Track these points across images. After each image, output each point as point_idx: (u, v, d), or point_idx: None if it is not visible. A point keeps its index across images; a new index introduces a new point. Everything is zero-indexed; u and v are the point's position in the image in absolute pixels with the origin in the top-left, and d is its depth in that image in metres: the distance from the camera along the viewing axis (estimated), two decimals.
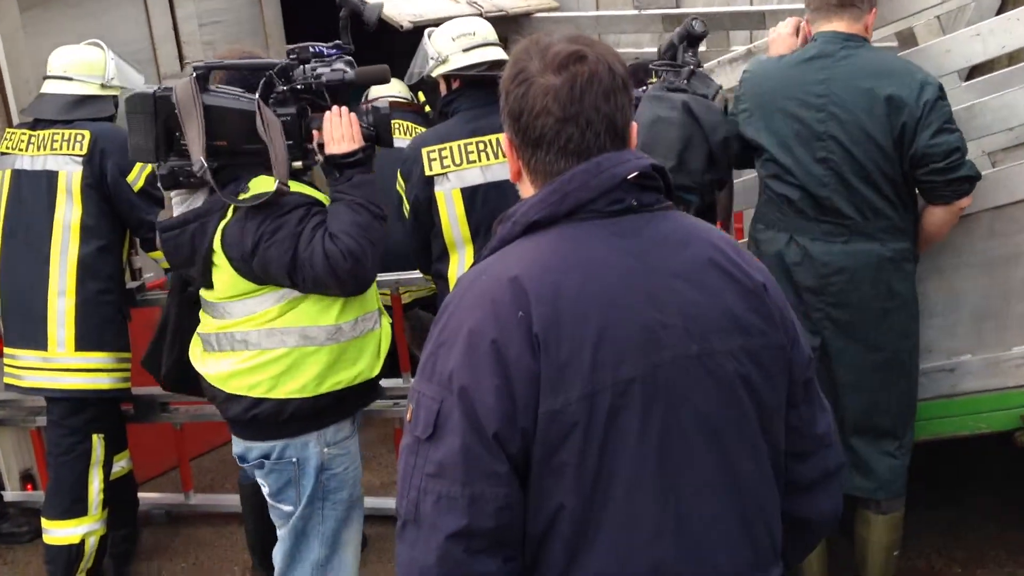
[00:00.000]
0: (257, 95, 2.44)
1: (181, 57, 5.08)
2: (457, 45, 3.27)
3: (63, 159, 3.55)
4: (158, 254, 3.53)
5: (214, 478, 4.60)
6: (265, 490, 2.69)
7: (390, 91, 4.94)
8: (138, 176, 3.61)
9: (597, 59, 1.38)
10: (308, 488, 2.62)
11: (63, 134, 3.58)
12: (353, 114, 2.53)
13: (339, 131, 2.49)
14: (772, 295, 1.45)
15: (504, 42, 6.19)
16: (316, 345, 2.56)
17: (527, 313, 1.31)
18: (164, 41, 4.98)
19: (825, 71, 2.79)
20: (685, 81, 2.31)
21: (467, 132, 3.14)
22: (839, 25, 2.83)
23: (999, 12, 4.80)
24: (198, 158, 2.36)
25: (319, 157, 2.56)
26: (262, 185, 2.47)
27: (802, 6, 5.23)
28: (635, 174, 1.40)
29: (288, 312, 2.55)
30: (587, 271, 1.35)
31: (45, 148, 3.57)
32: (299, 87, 2.50)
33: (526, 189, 1.49)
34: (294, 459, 2.59)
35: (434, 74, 3.29)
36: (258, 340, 2.57)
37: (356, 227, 2.45)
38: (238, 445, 2.70)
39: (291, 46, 2.52)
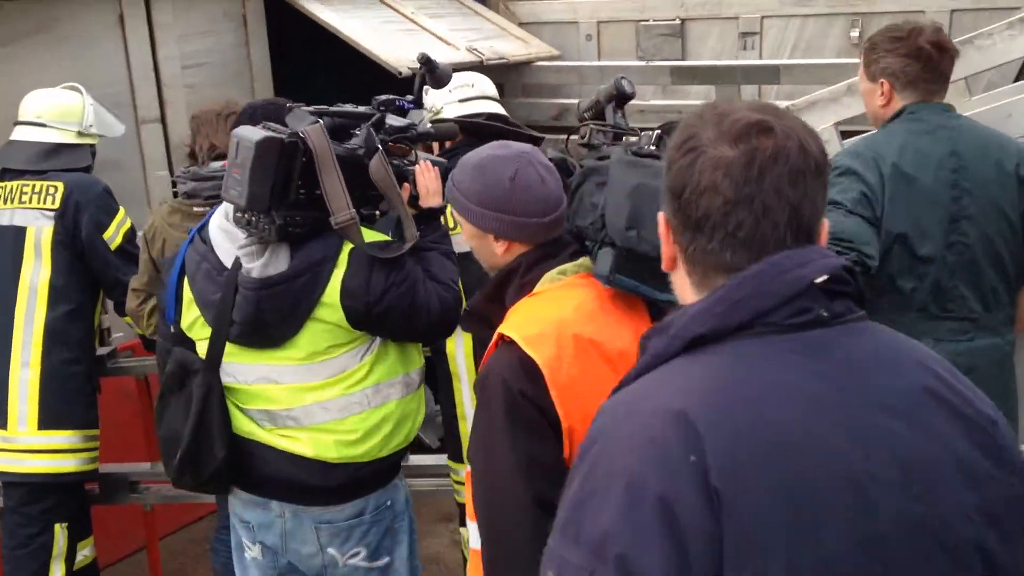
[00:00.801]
0: (353, 142, 2.28)
1: (161, 101, 4.81)
2: (453, 96, 3.10)
3: (33, 213, 3.25)
4: (132, 319, 3.26)
5: (184, 561, 4.23)
6: (359, 555, 2.39)
7: None
8: (116, 232, 3.33)
9: (786, 133, 1.14)
10: (404, 528, 2.47)
11: (34, 186, 3.28)
12: (437, 168, 2.45)
13: (433, 184, 2.44)
14: (1003, 431, 1.19)
15: (500, 88, 6.03)
16: (414, 391, 2.44)
17: (701, 459, 1.05)
18: (144, 83, 4.71)
19: (950, 143, 2.61)
20: (654, 146, 1.98)
21: None
22: (939, 97, 2.68)
23: (1019, 74, 4.71)
24: (345, 209, 2.19)
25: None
26: (370, 234, 2.32)
27: (818, 60, 5.16)
28: (824, 278, 1.14)
29: (379, 364, 2.35)
30: (772, 403, 1.09)
31: (13, 201, 3.27)
32: (393, 138, 2.39)
33: (681, 282, 1.24)
34: (388, 502, 2.41)
35: (427, 125, 3.08)
36: (365, 400, 2.32)
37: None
38: (322, 514, 2.37)
39: (381, 97, 2.37)
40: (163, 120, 4.83)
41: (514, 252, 1.90)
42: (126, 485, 3.73)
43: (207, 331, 2.29)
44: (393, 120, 2.36)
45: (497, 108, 3.04)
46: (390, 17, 5.41)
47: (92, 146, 3.50)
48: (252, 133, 2.12)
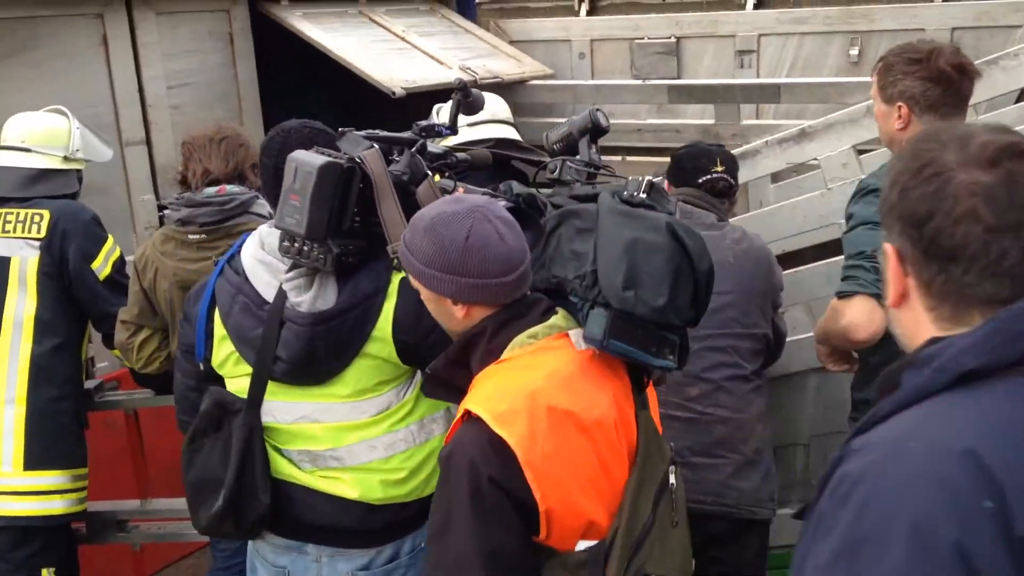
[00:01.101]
0: (395, 168, 2.16)
1: (146, 122, 4.68)
2: (462, 119, 2.98)
3: (17, 243, 3.11)
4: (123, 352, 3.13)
5: None
6: None
7: None
8: (104, 262, 3.20)
9: None
10: None
11: (18, 214, 3.14)
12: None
13: None
14: None
15: None
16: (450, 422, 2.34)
17: (1001, 505, 0.96)
18: (128, 104, 4.58)
19: None
20: (645, 195, 1.84)
21: None
22: (959, 120, 2.59)
23: (1021, 95, 4.68)
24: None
25: None
26: None
27: (819, 79, 5.12)
28: None
29: (423, 398, 2.24)
30: None
31: None
32: (435, 165, 2.30)
33: (913, 319, 1.17)
34: (423, 543, 2.26)
35: (436, 149, 2.98)
36: (411, 437, 2.21)
37: None
38: (360, 558, 2.23)
39: (422, 123, 2.27)
40: (148, 142, 4.70)
41: (476, 315, 1.75)
42: (114, 524, 3.58)
43: (242, 368, 2.16)
44: (432, 147, 2.28)
45: (508, 131, 2.95)
46: (380, 36, 5.32)
47: (79, 171, 3.38)
48: (312, 158, 2.01)
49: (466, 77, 5.18)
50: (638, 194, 1.87)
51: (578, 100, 5.49)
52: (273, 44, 5.34)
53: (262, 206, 3.11)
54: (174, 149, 4.75)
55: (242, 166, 3.10)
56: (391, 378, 2.17)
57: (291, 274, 2.12)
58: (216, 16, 4.93)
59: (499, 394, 1.64)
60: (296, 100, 5.94)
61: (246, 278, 2.15)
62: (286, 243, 2.07)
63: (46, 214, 3.14)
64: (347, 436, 2.16)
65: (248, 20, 5.05)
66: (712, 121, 5.24)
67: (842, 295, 2.38)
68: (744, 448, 2.55)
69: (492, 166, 2.91)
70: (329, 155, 2.05)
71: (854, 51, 5.20)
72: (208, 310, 2.21)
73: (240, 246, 2.25)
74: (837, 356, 2.57)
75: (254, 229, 2.98)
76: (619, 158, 5.52)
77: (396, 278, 2.13)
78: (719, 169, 2.81)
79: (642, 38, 5.75)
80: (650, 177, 1.95)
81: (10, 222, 3.13)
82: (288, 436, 2.17)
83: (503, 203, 1.91)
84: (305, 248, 2.06)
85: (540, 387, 1.63)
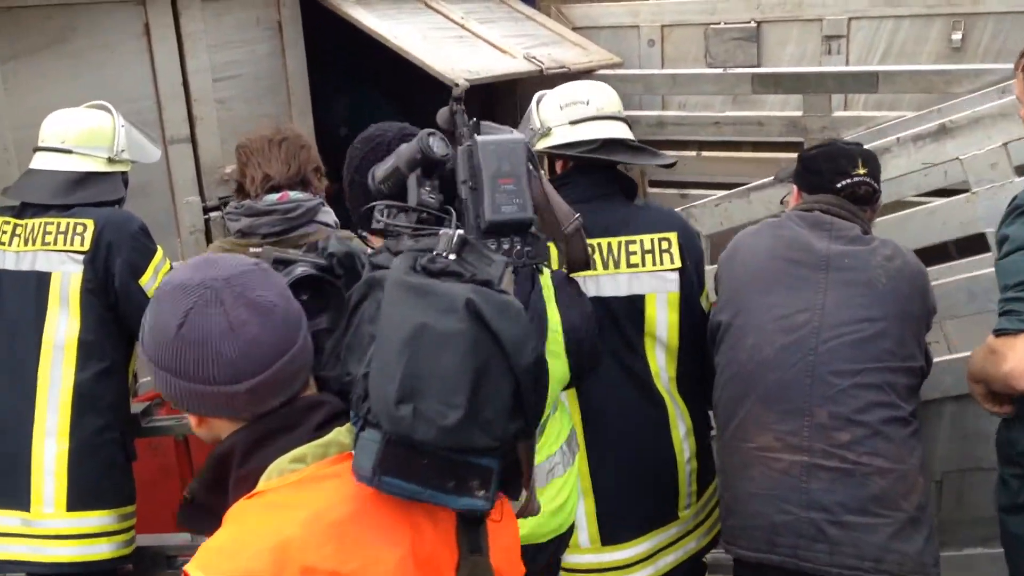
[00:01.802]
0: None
1: (191, 118, 4.39)
2: (564, 115, 2.65)
3: (58, 257, 2.82)
4: None
5: None
6: None
7: None
8: (153, 277, 2.90)
9: None
10: None
11: (59, 224, 2.85)
12: None
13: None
14: None
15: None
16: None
17: None
18: (172, 99, 4.30)
19: None
20: (453, 255, 1.41)
21: None
22: None
23: None
24: (572, 213, 2.02)
25: None
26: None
27: (925, 67, 4.70)
28: None
29: (562, 413, 2.16)
30: None
31: (35, 242, 2.84)
32: None
33: None
34: None
35: (536, 148, 2.65)
36: (562, 458, 2.07)
37: None
38: None
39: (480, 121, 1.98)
40: (193, 139, 4.42)
41: (218, 428, 1.34)
42: (163, 560, 3.30)
43: None
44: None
45: (618, 130, 2.59)
46: (438, 23, 4.99)
47: (124, 174, 3.08)
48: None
49: (530, 67, 4.84)
50: (445, 255, 1.41)
51: (650, 91, 5.14)
52: (322, 32, 5.03)
53: (328, 214, 2.80)
54: (220, 147, 4.48)
55: (304, 169, 2.78)
56: (553, 399, 1.97)
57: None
58: (264, 3, 4.62)
59: (233, 548, 1.19)
60: (348, 93, 5.65)
61: None
62: (493, 243, 1.72)
63: (90, 224, 2.85)
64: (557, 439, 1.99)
65: (298, 7, 4.76)
66: (799, 113, 4.87)
67: (1002, 333, 2.09)
68: (906, 504, 2.19)
69: (597, 172, 2.59)
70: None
71: (956, 35, 4.79)
72: None
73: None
74: (996, 397, 2.24)
75: (321, 239, 2.70)
76: (693, 153, 5.17)
77: (545, 279, 1.94)
78: (861, 172, 2.45)
79: (718, 23, 5.37)
80: (459, 232, 1.49)
81: (50, 233, 2.84)
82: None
83: (300, 269, 1.48)
84: (516, 243, 1.73)
85: (294, 538, 1.18)
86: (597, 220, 2.47)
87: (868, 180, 2.46)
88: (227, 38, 4.51)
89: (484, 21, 5.19)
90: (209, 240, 4.49)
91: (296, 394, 1.33)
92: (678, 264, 2.52)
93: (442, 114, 2.24)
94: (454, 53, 4.64)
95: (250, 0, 4.58)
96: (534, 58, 4.88)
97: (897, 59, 5.01)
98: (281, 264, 1.48)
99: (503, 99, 5.42)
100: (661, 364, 2.58)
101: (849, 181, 2.43)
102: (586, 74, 5.17)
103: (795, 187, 2.55)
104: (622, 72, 5.21)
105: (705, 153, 5.14)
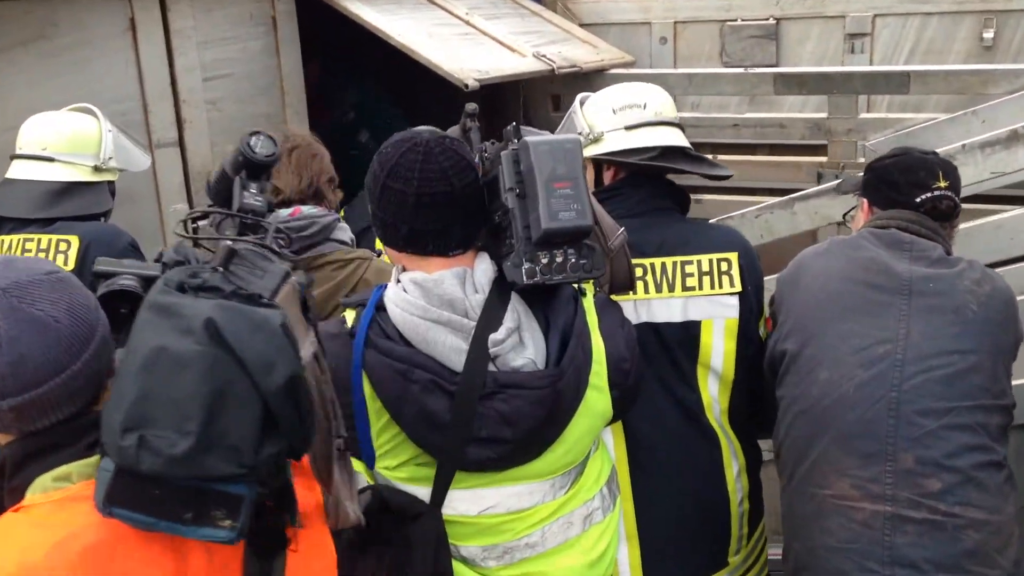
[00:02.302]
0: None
1: (179, 120, 4.12)
2: (619, 119, 2.44)
3: None
4: None
5: None
6: None
7: None
8: None
9: None
10: None
11: (39, 240, 2.61)
12: None
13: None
14: None
15: (557, 101, 5.37)
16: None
17: None
18: (159, 99, 4.02)
19: None
20: (220, 268, 1.33)
21: None
22: None
23: None
24: (617, 227, 1.96)
25: None
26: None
27: (956, 67, 4.49)
28: None
29: (603, 453, 1.99)
30: None
31: None
32: None
33: None
34: None
35: (588, 154, 2.44)
36: (601, 502, 1.89)
37: None
38: None
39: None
40: (181, 143, 4.15)
41: None
42: None
43: (409, 458, 1.75)
44: None
45: (676, 137, 2.37)
46: (442, 19, 4.74)
47: (111, 184, 2.84)
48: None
49: (541, 66, 4.60)
50: (214, 268, 1.31)
51: (666, 91, 4.89)
52: (319, 26, 4.76)
53: (344, 230, 2.55)
54: (210, 150, 4.22)
55: (317, 181, 2.54)
56: (596, 438, 1.85)
57: (506, 326, 1.69)
58: None
59: None
60: (351, 88, 5.40)
61: (406, 343, 1.70)
62: (544, 255, 1.66)
63: (74, 241, 2.60)
64: (545, 518, 1.80)
65: (292, 2, 4.48)
66: (824, 115, 4.65)
67: None
68: (1002, 560, 1.97)
69: (650, 184, 2.36)
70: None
71: (988, 33, 4.60)
72: (363, 397, 1.74)
73: (375, 304, 1.77)
74: None
75: (343, 261, 2.45)
76: (709, 156, 4.94)
77: (588, 302, 1.83)
78: (941, 184, 2.23)
79: (735, 19, 5.15)
80: (232, 246, 1.38)
81: (30, 251, 2.58)
82: (468, 532, 1.78)
83: (122, 282, 1.45)
84: (574, 257, 1.67)
85: (37, 563, 1.15)
86: (649, 237, 2.26)
87: (949, 194, 2.24)
88: (218, 34, 4.23)
89: (489, 17, 4.94)
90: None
91: (81, 411, 1.29)
92: (738, 288, 2.30)
93: (454, 131, 2.03)
94: (461, 51, 4.39)
95: None
96: (544, 56, 4.64)
97: (924, 58, 4.81)
98: (103, 277, 1.45)
99: (506, 99, 5.19)
100: (714, 395, 2.37)
101: (929, 195, 2.21)
102: (596, 74, 4.94)
103: (865, 201, 2.32)
104: (635, 71, 4.98)
105: (720, 156, 4.90)
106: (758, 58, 5.14)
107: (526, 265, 1.68)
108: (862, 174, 2.38)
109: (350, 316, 1.84)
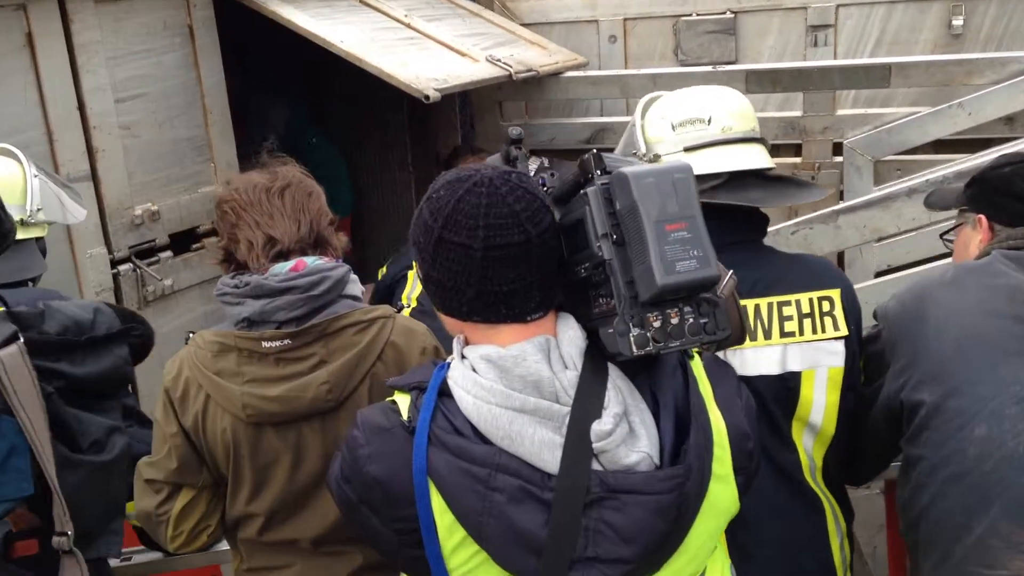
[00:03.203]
0: None
1: (90, 150, 3.55)
2: (678, 139, 2.11)
3: None
4: None
5: None
6: None
7: None
8: None
9: None
10: None
11: None
12: None
13: None
14: None
15: (498, 107, 5.00)
16: None
17: None
18: (65, 127, 3.45)
19: None
20: None
21: None
22: None
23: None
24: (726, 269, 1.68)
25: None
26: None
27: (940, 57, 4.32)
28: None
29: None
30: None
31: None
32: None
33: None
34: None
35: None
36: None
37: None
38: None
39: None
40: (94, 176, 3.58)
41: None
42: None
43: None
44: None
45: (750, 157, 2.04)
46: (381, 22, 4.31)
47: (40, 240, 2.31)
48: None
49: (496, 72, 4.22)
50: None
51: (628, 94, 4.61)
52: (241, 32, 4.26)
53: (355, 284, 2.11)
54: (127, 183, 3.68)
55: (317, 226, 2.09)
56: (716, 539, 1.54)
57: (611, 412, 1.35)
58: (172, 4, 3.82)
59: None
60: (273, 107, 4.91)
61: (495, 444, 1.36)
62: (656, 316, 1.33)
63: None
64: None
65: (211, 7, 3.97)
66: (799, 113, 4.46)
67: None
68: None
69: (717, 215, 2.01)
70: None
71: (957, 21, 4.48)
72: (430, 507, 1.38)
73: (438, 387, 1.42)
74: None
75: (364, 323, 2.01)
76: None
77: (696, 366, 1.51)
78: None
79: (690, 14, 4.89)
80: None
81: None
82: None
83: None
84: (690, 316, 1.34)
85: None
86: (739, 276, 1.92)
87: None
88: (129, 48, 3.69)
89: (430, 19, 4.53)
90: (119, 300, 3.67)
91: None
92: (843, 331, 1.99)
93: (495, 161, 1.67)
94: (411, 59, 3.97)
95: (155, 1, 3.76)
96: (499, 61, 4.27)
97: (891, 49, 4.66)
98: None
99: (442, 108, 4.80)
100: (808, 451, 2.08)
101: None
102: (552, 77, 4.60)
103: (981, 217, 2.04)
104: (592, 74, 4.66)
105: None
106: (716, 55, 4.90)
107: (635, 332, 1.33)
108: (964, 185, 2.10)
109: (403, 402, 1.46)
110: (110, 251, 3.63)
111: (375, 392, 1.98)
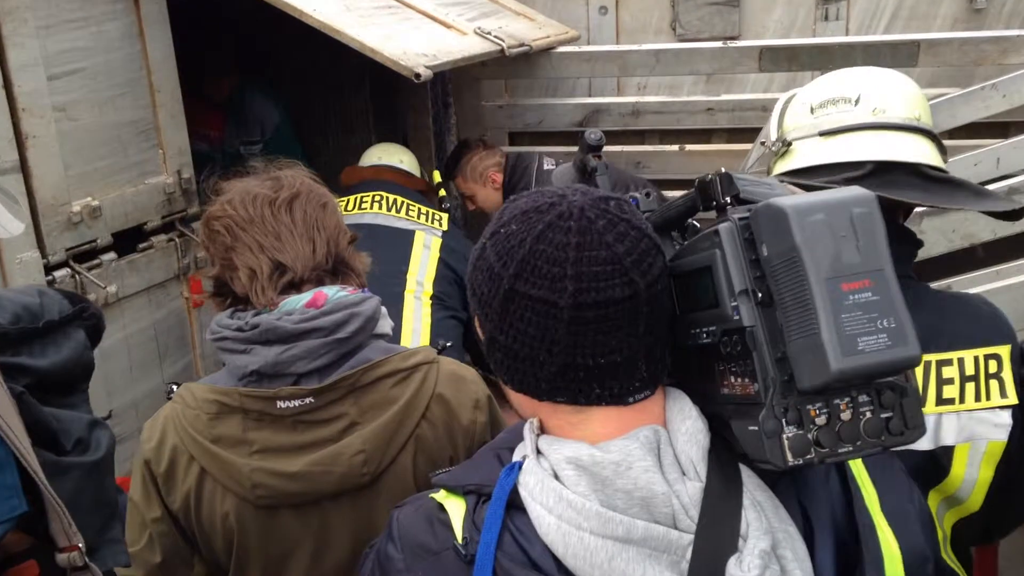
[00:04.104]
0: None
1: (19, 136, 3.04)
2: (815, 120, 1.77)
3: None
4: None
5: None
6: None
7: (390, 159, 3.95)
8: None
9: None
10: None
11: None
12: None
13: None
14: None
15: (478, 85, 4.57)
16: None
17: None
18: None
19: None
20: None
21: None
22: None
23: None
24: None
25: None
26: None
27: (973, 34, 4.02)
28: None
29: None
30: None
31: None
32: None
33: None
34: None
35: (773, 172, 1.78)
36: None
37: None
38: None
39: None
40: (24, 168, 3.07)
41: None
42: None
43: None
44: None
45: (907, 148, 1.69)
46: None
47: None
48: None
49: (488, 46, 3.80)
50: None
51: (627, 72, 4.23)
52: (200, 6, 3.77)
53: (386, 319, 1.70)
54: (63, 175, 3.17)
55: (336, 246, 1.67)
56: None
57: (756, 547, 1.00)
58: None
59: None
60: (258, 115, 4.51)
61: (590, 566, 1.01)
62: (820, 407, 0.97)
63: None
64: None
65: None
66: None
67: None
68: None
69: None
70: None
71: None
72: None
73: (507, 498, 1.07)
74: None
75: (404, 372, 1.61)
76: (676, 147, 4.32)
77: (859, 471, 1.18)
78: None
79: None
80: None
81: None
82: None
83: None
84: (867, 410, 0.97)
85: None
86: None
87: None
88: (62, 16, 3.17)
89: None
90: None
91: None
92: (1012, 399, 1.62)
93: (567, 174, 1.31)
94: (394, 31, 3.52)
95: None
96: (488, 34, 3.85)
97: (907, 24, 4.37)
98: None
99: (414, 86, 4.36)
100: (940, 520, 1.74)
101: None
102: (543, 53, 4.19)
103: None
104: (588, 49, 4.25)
105: (690, 147, 4.30)
106: (717, 29, 4.55)
107: (789, 431, 0.96)
108: None
109: (454, 510, 1.08)
110: (44, 255, 3.12)
111: (420, 461, 1.58)
